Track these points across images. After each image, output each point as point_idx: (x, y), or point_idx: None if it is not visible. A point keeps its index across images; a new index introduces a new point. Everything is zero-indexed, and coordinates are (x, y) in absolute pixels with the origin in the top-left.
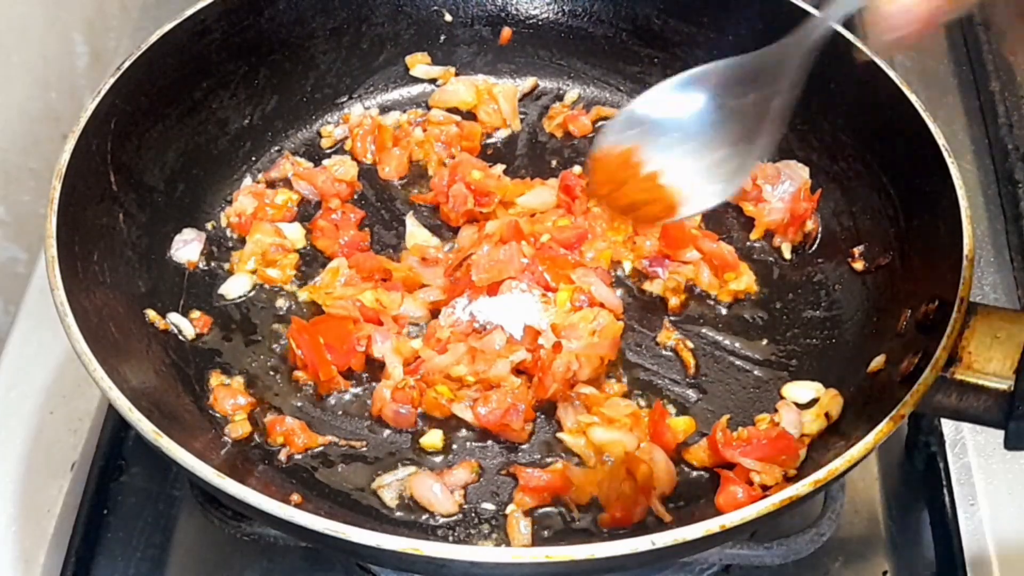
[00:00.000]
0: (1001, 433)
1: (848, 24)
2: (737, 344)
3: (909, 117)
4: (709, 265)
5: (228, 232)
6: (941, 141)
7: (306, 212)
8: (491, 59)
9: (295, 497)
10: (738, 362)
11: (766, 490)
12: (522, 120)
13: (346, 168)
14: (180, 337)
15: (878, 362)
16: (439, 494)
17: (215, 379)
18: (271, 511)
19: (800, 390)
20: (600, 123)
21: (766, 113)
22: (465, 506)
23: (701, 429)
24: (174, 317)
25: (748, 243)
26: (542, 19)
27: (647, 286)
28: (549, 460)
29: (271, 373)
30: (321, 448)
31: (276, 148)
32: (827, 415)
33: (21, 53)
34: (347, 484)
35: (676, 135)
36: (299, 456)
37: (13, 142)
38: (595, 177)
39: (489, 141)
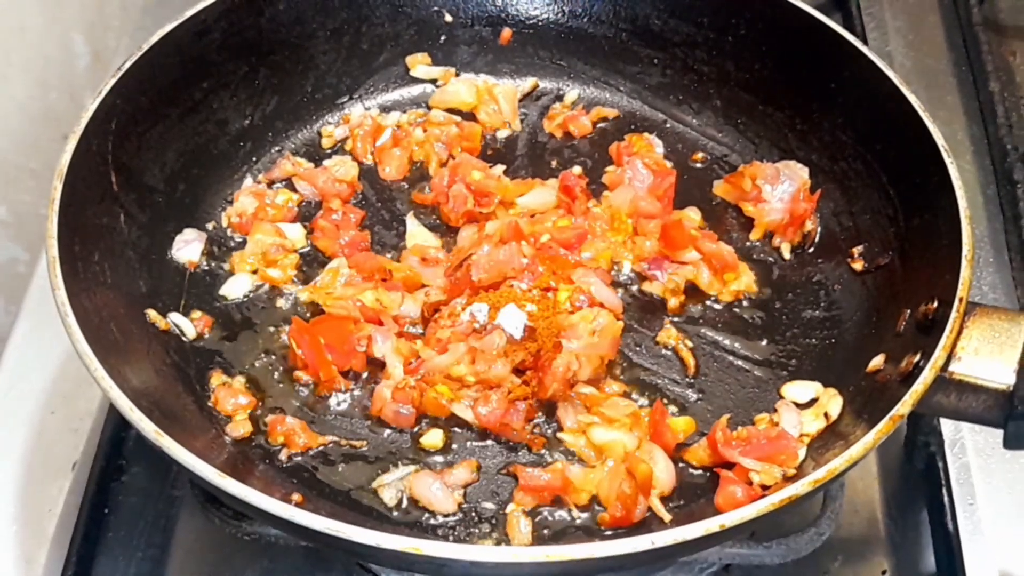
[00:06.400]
0: (1000, 433)
1: (848, 24)
2: (737, 344)
3: (909, 117)
4: (709, 266)
5: (229, 232)
6: (940, 141)
7: (307, 212)
8: (491, 59)
9: (296, 497)
10: (738, 362)
11: (765, 490)
12: (522, 120)
13: (346, 168)
14: (181, 337)
15: (877, 362)
16: (439, 493)
17: (216, 379)
18: (272, 511)
19: (799, 390)
20: (601, 123)
21: None
22: (465, 505)
23: (701, 429)
24: (175, 317)
25: (748, 243)
26: (542, 19)
27: (647, 286)
28: (549, 460)
29: (272, 373)
30: (322, 448)
31: (276, 148)
32: (826, 415)
33: (21, 53)
34: (348, 483)
35: None
36: (300, 456)
37: (14, 142)
38: None
39: (489, 141)
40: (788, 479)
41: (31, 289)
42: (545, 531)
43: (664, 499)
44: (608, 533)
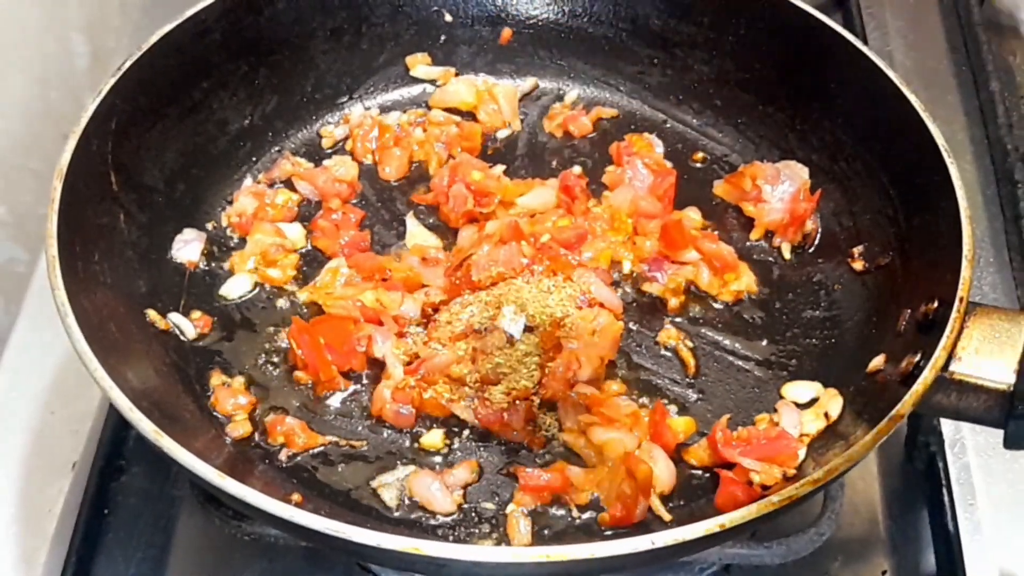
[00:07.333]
0: (1000, 433)
1: (848, 24)
2: (737, 344)
3: (909, 117)
4: (709, 266)
5: (228, 232)
6: (941, 141)
7: (306, 212)
8: (491, 59)
9: (295, 497)
10: (738, 362)
11: (766, 490)
12: (522, 120)
13: (346, 168)
14: (181, 337)
15: (878, 362)
16: (439, 493)
17: (216, 379)
18: (272, 511)
19: (800, 390)
20: (601, 123)
21: None
22: (465, 506)
23: (701, 429)
24: (175, 317)
25: (748, 243)
26: (542, 19)
27: (647, 286)
28: (549, 460)
29: (271, 373)
30: (321, 448)
31: (276, 148)
32: (827, 415)
33: (21, 53)
34: (347, 484)
35: None
36: (299, 456)
37: (13, 142)
38: None
39: (489, 141)
40: (788, 479)
41: (31, 289)
42: (545, 531)
43: (664, 499)
44: (608, 533)
